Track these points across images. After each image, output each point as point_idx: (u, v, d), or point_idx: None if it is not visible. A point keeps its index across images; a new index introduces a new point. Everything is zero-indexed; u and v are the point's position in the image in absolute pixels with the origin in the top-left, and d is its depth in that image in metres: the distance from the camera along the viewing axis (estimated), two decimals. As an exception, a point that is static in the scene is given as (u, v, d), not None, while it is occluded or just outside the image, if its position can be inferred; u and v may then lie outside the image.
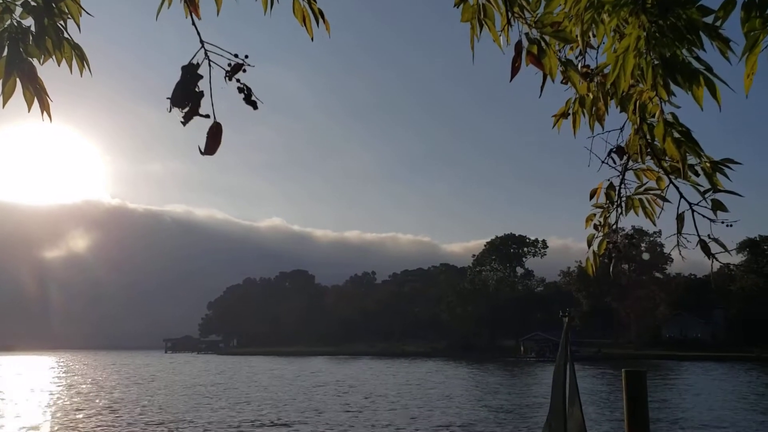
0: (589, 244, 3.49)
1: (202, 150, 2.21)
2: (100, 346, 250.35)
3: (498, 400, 35.71)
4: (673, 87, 2.77)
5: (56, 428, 24.13)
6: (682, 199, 3.09)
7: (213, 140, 2.20)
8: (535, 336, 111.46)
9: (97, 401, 35.80)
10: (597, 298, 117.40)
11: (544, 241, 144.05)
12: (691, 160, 3.04)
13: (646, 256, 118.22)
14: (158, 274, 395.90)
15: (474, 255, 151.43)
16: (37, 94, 2.42)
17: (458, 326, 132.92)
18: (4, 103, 2.36)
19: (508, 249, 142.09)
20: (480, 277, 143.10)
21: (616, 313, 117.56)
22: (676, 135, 2.92)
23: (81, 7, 2.49)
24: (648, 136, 3.10)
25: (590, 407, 28.40)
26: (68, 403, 34.80)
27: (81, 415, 28.28)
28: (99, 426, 24.79)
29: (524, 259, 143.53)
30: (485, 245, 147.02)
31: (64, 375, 65.70)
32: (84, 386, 48.70)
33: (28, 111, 2.50)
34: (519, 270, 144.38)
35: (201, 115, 2.22)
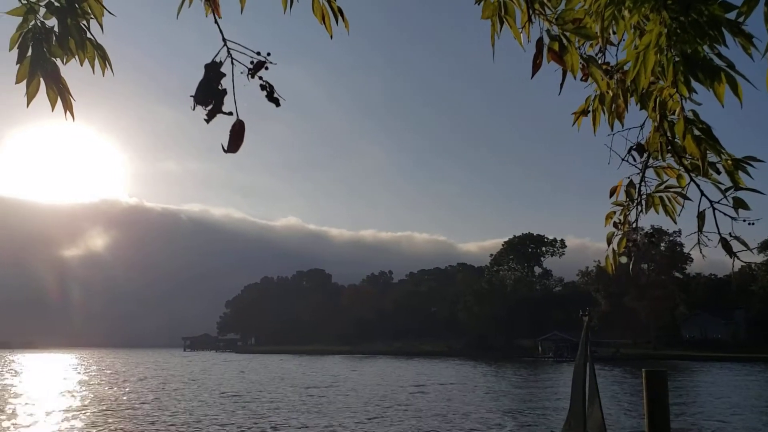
0: (609, 242, 3.47)
1: (225, 148, 2.24)
2: (118, 344, 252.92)
3: (516, 399, 35.58)
4: (694, 84, 2.75)
5: (82, 425, 24.42)
6: (703, 197, 3.06)
7: (236, 138, 2.22)
8: (552, 336, 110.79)
9: (122, 398, 36.17)
10: (616, 297, 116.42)
11: (562, 241, 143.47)
12: (712, 157, 3.01)
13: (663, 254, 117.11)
14: (175, 273, 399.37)
15: (491, 254, 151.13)
16: (60, 93, 2.45)
17: (475, 326, 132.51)
18: (29, 102, 2.39)
19: (526, 248, 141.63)
20: (497, 277, 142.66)
21: (635, 313, 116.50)
22: (697, 132, 2.90)
23: (104, 7, 2.52)
24: (668, 134, 3.08)
25: (610, 407, 28.20)
26: (93, 400, 35.17)
27: (105, 413, 28.57)
28: (127, 421, 25.05)
29: (542, 258, 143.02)
30: (503, 245, 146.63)
31: (88, 372, 66.39)
32: (109, 383, 49.18)
33: (52, 110, 2.54)
34: (537, 270, 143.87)
35: (224, 113, 2.24)
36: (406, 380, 51.44)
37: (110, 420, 25.95)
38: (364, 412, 28.65)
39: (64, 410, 29.58)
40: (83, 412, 28.95)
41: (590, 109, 3.40)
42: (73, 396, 37.85)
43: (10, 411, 27.81)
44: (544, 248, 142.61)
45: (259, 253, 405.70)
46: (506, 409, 30.05)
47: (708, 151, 2.96)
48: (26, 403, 32.26)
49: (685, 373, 60.61)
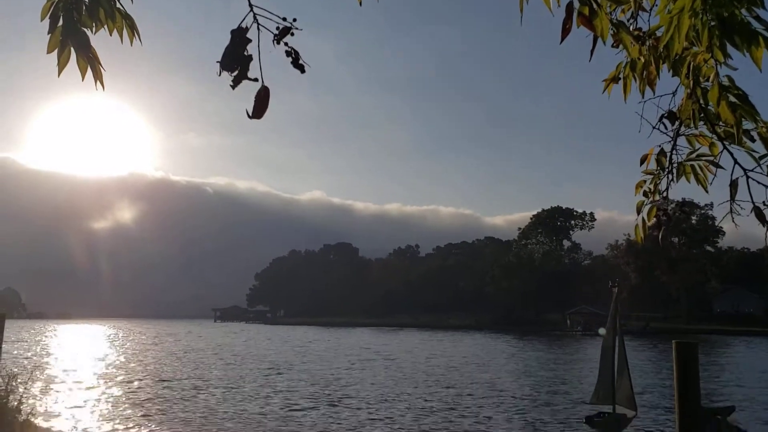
0: (639, 212, 3.43)
1: (250, 114, 2.25)
2: (149, 315, 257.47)
3: (545, 372, 35.62)
4: (729, 49, 2.68)
5: (124, 394, 25.02)
6: (736, 166, 3.00)
7: (261, 104, 2.23)
8: (581, 309, 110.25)
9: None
10: (646, 271, 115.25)
11: (591, 214, 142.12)
12: (747, 125, 2.95)
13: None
14: (202, 245, 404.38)
15: (519, 228, 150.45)
16: (90, 63, 2.48)
17: (503, 300, 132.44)
18: (60, 71, 2.42)
19: (555, 222, 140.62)
20: (526, 251, 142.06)
21: (665, 287, 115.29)
22: (732, 99, 2.83)
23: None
24: (701, 101, 3.02)
25: (638, 380, 28.09)
26: (135, 370, 35.96)
27: (145, 381, 29.23)
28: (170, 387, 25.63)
29: (571, 232, 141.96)
30: (531, 218, 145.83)
31: (128, 342, 67.91)
32: (154, 353, 50.21)
33: (82, 80, 2.56)
34: (565, 243, 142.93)
35: (249, 79, 2.25)
36: (434, 353, 51.74)
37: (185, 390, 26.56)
38: (394, 384, 28.95)
39: (125, 380, 30.33)
40: (145, 380, 29.65)
41: (621, 76, 3.34)
42: (135, 365, 38.74)
43: (73, 382, 28.60)
44: (573, 221, 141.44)
45: (284, 227, 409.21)
46: (535, 381, 30.11)
47: (743, 118, 2.90)
48: (86, 374, 33.12)
49: (717, 347, 60.03)
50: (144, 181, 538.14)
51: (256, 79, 2.25)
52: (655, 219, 3.39)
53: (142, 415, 19.44)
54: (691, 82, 2.97)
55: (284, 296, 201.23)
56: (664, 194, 3.35)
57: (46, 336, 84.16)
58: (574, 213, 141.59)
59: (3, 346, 9.58)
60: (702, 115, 3.05)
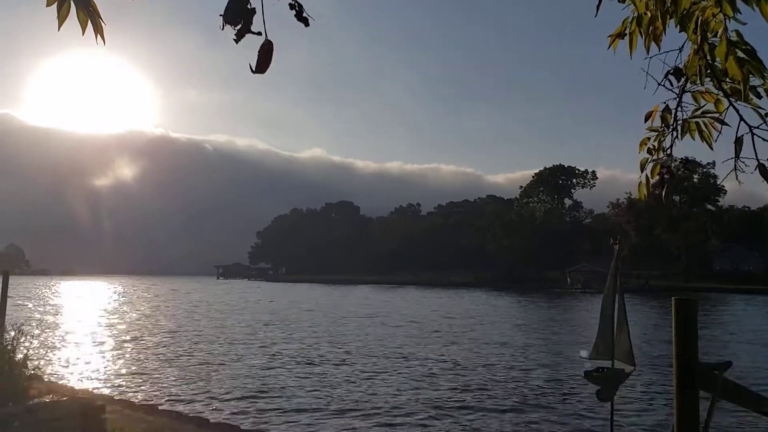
0: (642, 169, 3.42)
1: (254, 68, 2.23)
2: (151, 271, 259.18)
3: (544, 328, 36.02)
4: (738, 3, 2.64)
5: (132, 349, 25.35)
6: (742, 122, 2.98)
7: (265, 58, 2.21)
8: (581, 267, 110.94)
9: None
10: (646, 230, 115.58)
11: (593, 173, 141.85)
12: (754, 81, 2.92)
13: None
14: (203, 203, 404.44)
15: (521, 186, 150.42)
16: (90, 16, 2.45)
17: (504, 258, 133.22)
18: (60, 25, 2.39)
19: (557, 180, 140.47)
20: (527, 209, 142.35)
21: (665, 245, 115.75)
22: (740, 54, 2.80)
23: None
24: (708, 57, 2.98)
25: (637, 336, 28.44)
26: (143, 325, 36.33)
27: (156, 337, 29.59)
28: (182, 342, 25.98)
29: (573, 190, 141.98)
30: (533, 176, 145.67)
31: (133, 298, 68.49)
32: (165, 309, 50.69)
33: (83, 34, 2.54)
34: (567, 202, 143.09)
35: (253, 33, 2.22)
36: (437, 308, 52.22)
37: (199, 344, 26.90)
38: (396, 338, 29.29)
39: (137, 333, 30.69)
40: (152, 334, 30.01)
41: (627, 31, 3.30)
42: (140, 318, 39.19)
43: (95, 340, 28.96)
44: (574, 180, 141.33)
45: (284, 184, 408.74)
46: (535, 337, 30.48)
47: (750, 74, 2.87)
48: (92, 329, 33.51)
49: (715, 305, 60.55)
50: (144, 138, 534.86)
51: (259, 33, 2.23)
52: (658, 176, 3.38)
53: (149, 369, 19.74)
54: (699, 38, 2.93)
55: (286, 254, 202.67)
56: (668, 151, 3.34)
57: (50, 292, 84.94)
58: (576, 171, 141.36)
59: (8, 301, 9.68)
60: (708, 71, 3.02)
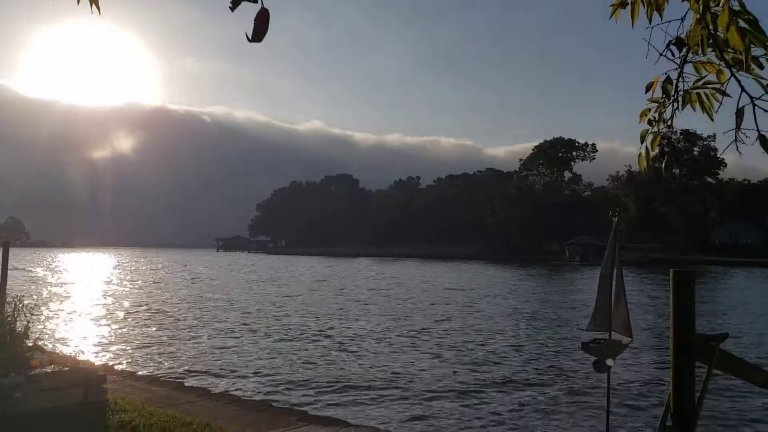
0: (642, 140, 3.40)
1: (250, 37, 2.20)
2: (150, 244, 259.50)
3: (541, 300, 36.22)
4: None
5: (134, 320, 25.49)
6: (743, 93, 2.96)
7: (261, 27, 2.18)
8: (580, 240, 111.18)
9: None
10: (645, 203, 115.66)
11: (593, 145, 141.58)
12: (756, 51, 2.89)
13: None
14: (202, 175, 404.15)
15: (520, 159, 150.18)
16: (85, -16, 2.41)
17: (503, 230, 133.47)
18: (54, -7, 2.36)
19: (557, 153, 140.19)
20: (526, 182, 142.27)
21: (664, 218, 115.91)
22: (742, 24, 2.77)
23: None
24: (711, 26, 2.95)
25: (635, 308, 28.63)
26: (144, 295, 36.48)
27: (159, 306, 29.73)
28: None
29: (572, 163, 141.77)
30: (533, 149, 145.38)
31: (133, 270, 68.71)
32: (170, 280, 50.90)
33: (78, 3, 2.51)
34: (566, 174, 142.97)
35: (249, 0, 2.19)
36: (435, 281, 52.46)
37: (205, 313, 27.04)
38: (396, 309, 29.46)
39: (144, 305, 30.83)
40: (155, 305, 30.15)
41: (629, 1, 3.25)
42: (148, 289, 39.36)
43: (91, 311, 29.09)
44: (574, 152, 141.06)
45: (283, 157, 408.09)
46: (532, 309, 30.65)
47: (752, 44, 2.84)
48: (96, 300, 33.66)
49: (713, 277, 60.83)
50: (142, 110, 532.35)
51: (255, 1, 2.20)
52: (658, 148, 3.36)
53: (151, 340, 19.87)
54: (701, 7, 2.90)
55: (286, 226, 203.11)
56: (669, 123, 3.32)
57: (50, 263, 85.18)
58: (576, 144, 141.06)
59: (8, 273, 9.71)
60: (710, 41, 2.99)
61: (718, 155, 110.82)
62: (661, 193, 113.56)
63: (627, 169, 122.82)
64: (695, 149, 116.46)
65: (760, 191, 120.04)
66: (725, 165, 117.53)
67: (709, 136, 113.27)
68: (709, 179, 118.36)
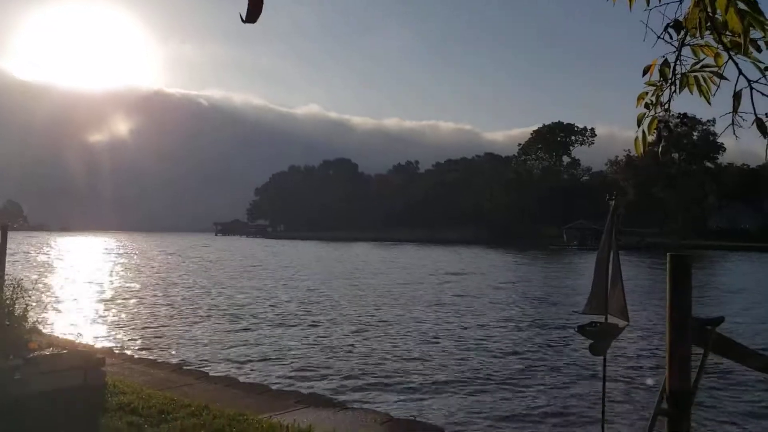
0: (639, 124, 3.39)
1: (244, 18, 2.18)
2: (148, 228, 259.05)
3: (538, 284, 36.33)
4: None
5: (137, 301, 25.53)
6: (741, 76, 2.95)
7: (255, 7, 2.16)
8: (578, 225, 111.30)
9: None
10: (644, 187, 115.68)
11: (592, 130, 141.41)
12: (755, 34, 2.88)
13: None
14: (199, 160, 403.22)
15: (519, 144, 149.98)
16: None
17: (502, 215, 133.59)
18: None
19: (555, 137, 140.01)
20: (525, 167, 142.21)
21: (662, 203, 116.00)
22: (741, 6, 2.75)
23: None
24: (709, 9, 2.93)
25: (631, 292, 28.73)
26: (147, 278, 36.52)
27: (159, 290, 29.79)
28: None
29: (571, 148, 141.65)
30: (532, 134, 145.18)
31: (131, 254, 68.71)
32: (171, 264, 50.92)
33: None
34: (565, 159, 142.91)
35: (243, -21, 2.18)
36: (434, 266, 52.55)
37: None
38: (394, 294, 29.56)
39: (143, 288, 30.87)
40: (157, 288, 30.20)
41: (628, -17, 3.23)
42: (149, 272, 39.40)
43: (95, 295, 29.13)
44: (573, 137, 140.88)
45: (281, 141, 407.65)
46: (529, 293, 30.75)
47: (751, 27, 2.83)
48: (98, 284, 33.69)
49: (711, 262, 60.99)
50: (139, 94, 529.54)
51: (249, -21, 2.18)
52: (655, 131, 3.36)
53: (150, 323, 19.93)
54: (700, -11, 2.88)
55: (284, 211, 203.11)
56: (666, 106, 3.31)
57: (49, 247, 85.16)
58: (575, 128, 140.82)
59: (6, 257, 9.72)
60: (708, 24, 2.97)
61: (717, 138, 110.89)
62: (660, 177, 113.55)
63: (626, 153, 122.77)
64: (695, 134, 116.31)
65: (759, 176, 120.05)
66: (724, 150, 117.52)
67: (708, 121, 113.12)
68: (708, 164, 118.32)
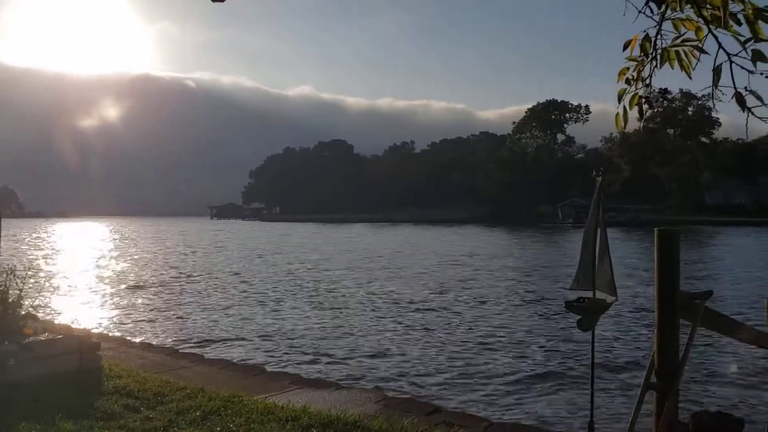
0: (620, 99, 3.40)
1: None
2: (143, 213, 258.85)
3: (528, 261, 36.44)
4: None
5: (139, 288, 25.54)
6: (721, 50, 2.96)
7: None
8: (572, 202, 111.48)
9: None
10: (639, 164, 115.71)
11: (587, 107, 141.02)
12: (734, 7, 2.88)
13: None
14: (191, 143, 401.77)
15: (513, 122, 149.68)
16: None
17: (496, 194, 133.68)
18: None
19: (550, 115, 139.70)
20: (519, 145, 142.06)
21: (657, 179, 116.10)
22: (720, -22, 2.76)
23: None
24: (689, -18, 2.94)
25: (621, 268, 28.89)
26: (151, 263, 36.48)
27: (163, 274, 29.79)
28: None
29: (566, 125, 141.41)
30: (526, 112, 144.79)
31: (128, 240, 68.58)
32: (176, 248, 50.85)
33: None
34: (560, 137, 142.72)
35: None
36: (430, 246, 52.64)
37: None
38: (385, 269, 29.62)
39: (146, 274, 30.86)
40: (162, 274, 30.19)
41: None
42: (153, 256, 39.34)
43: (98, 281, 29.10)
44: (567, 115, 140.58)
45: (274, 123, 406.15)
46: (518, 270, 30.87)
47: (731, 0, 2.83)
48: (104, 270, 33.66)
49: (703, 237, 61.22)
50: (126, 79, 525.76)
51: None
52: (636, 107, 3.37)
53: (146, 308, 19.97)
54: (679, -38, 2.88)
55: (280, 193, 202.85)
56: (648, 81, 3.31)
57: (46, 233, 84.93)
58: (569, 106, 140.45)
59: (2, 243, 9.71)
60: (689, -3, 2.98)
61: (713, 114, 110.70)
62: (655, 154, 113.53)
63: (621, 130, 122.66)
64: (690, 109, 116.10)
65: (753, 150, 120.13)
66: (720, 125, 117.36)
67: (704, 96, 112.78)
68: (704, 139, 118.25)
